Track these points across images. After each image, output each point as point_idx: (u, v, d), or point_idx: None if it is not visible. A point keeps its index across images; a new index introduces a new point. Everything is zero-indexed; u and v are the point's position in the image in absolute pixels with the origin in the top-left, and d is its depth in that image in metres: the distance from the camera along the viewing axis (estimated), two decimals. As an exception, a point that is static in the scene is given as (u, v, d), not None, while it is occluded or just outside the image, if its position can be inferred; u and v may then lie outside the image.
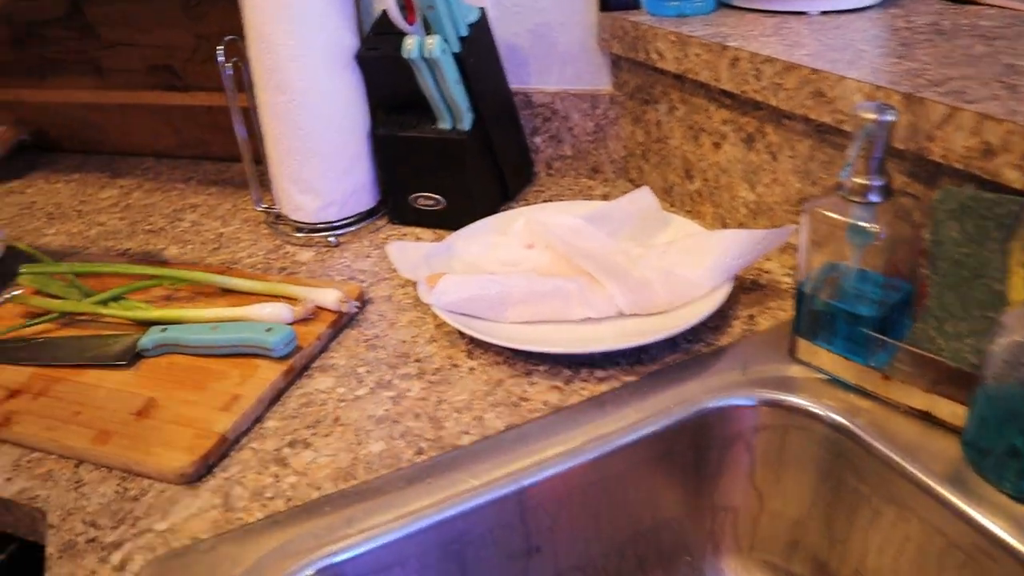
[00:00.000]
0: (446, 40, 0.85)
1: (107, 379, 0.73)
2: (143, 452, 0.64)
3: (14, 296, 0.85)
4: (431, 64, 0.86)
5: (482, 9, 0.93)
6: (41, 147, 1.41)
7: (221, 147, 1.23)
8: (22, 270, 0.86)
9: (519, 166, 1.05)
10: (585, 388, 0.68)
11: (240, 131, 0.98)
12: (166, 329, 0.75)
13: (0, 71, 1.38)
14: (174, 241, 1.01)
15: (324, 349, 0.76)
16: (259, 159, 1.01)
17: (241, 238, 1.00)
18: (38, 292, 0.87)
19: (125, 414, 0.68)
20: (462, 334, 0.75)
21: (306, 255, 0.94)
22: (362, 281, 0.87)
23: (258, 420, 0.68)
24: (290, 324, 0.76)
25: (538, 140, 1.08)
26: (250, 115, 0.98)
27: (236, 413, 0.67)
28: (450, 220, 0.94)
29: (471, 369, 0.72)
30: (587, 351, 0.69)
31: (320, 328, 0.77)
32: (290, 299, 0.80)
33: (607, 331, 0.73)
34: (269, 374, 0.71)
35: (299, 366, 0.73)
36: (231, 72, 0.95)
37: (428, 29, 0.88)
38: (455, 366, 0.72)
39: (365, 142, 0.96)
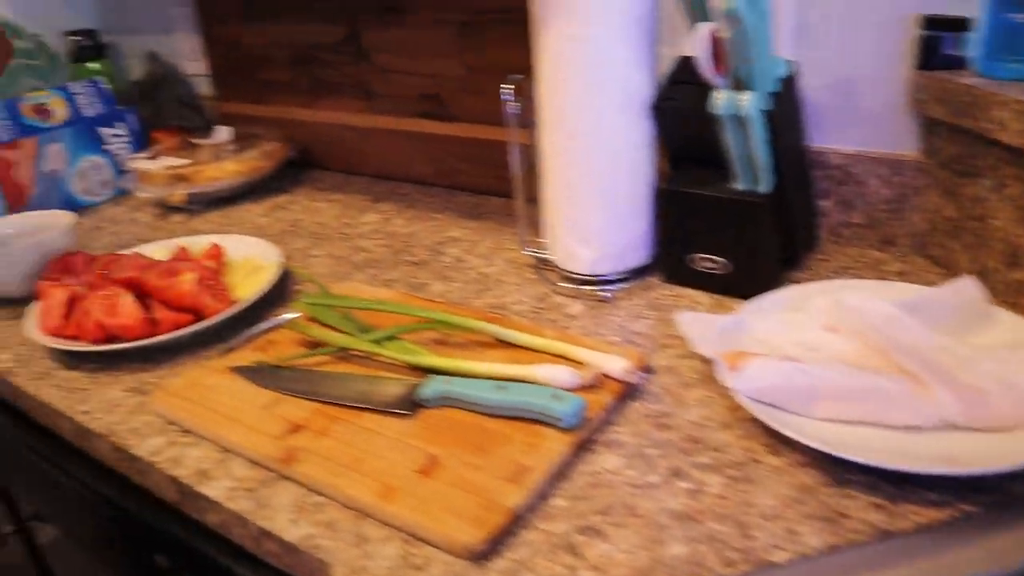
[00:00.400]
0: (758, 95, 0.79)
1: (387, 427, 0.71)
2: (429, 517, 0.60)
3: (291, 321, 0.85)
4: (740, 121, 0.79)
5: (792, 63, 0.86)
6: (304, 164, 1.46)
7: (475, 179, 1.22)
8: (304, 300, 0.86)
9: (807, 231, 0.96)
10: (916, 513, 0.59)
11: (516, 170, 0.95)
12: (449, 381, 0.72)
13: (277, 90, 1.43)
14: (437, 276, 0.99)
15: (608, 422, 0.71)
16: (529, 199, 0.98)
17: (506, 281, 0.97)
18: (313, 319, 0.87)
19: (408, 470, 0.65)
20: (764, 425, 0.68)
21: (576, 308, 0.89)
22: (640, 346, 0.82)
23: (544, 497, 0.64)
24: (574, 390, 0.71)
25: (827, 204, 0.99)
26: (524, 154, 0.95)
27: (525, 487, 0.62)
28: (731, 285, 0.88)
29: (776, 468, 0.64)
30: (924, 471, 0.60)
31: (605, 398, 0.72)
32: (572, 361, 0.76)
33: (937, 445, 0.64)
34: (556, 446, 0.66)
35: (584, 439, 0.69)
36: (515, 111, 0.92)
37: (736, 82, 0.81)
38: (756, 461, 0.65)
39: (647, 195, 0.90)
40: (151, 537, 0.78)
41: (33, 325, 0.93)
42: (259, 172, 1.33)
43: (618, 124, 0.86)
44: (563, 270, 0.95)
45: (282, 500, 0.66)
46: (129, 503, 0.79)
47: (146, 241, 1.20)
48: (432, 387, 0.72)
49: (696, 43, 0.78)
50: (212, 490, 0.68)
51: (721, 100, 0.79)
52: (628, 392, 0.75)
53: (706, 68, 0.80)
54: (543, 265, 0.98)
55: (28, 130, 1.32)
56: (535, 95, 0.90)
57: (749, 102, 0.78)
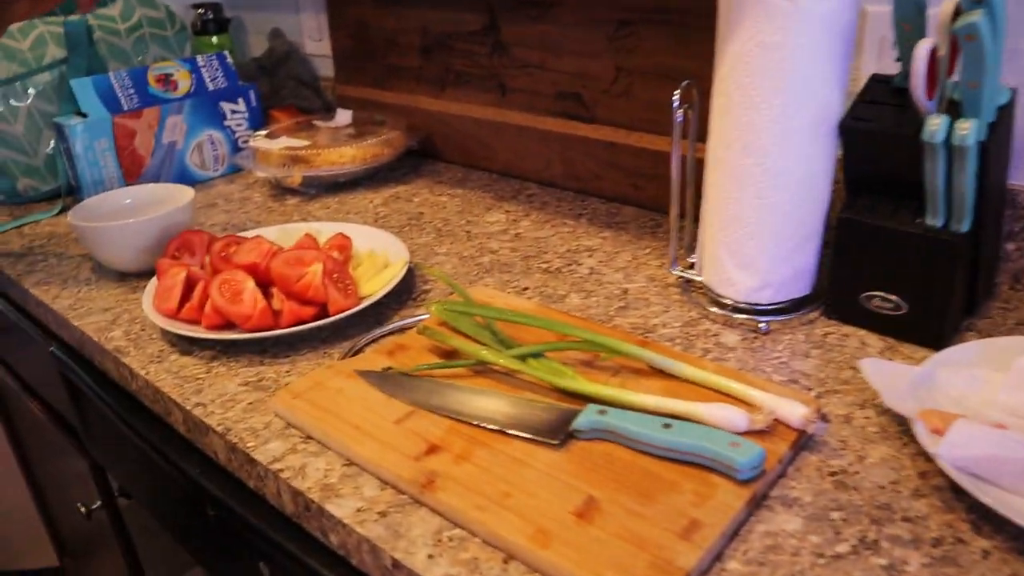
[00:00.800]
0: (979, 124, 0.69)
1: (536, 457, 0.63)
2: (590, 571, 0.52)
3: (422, 326, 0.78)
4: (951, 151, 0.70)
5: (1014, 90, 0.76)
6: (424, 154, 1.39)
7: (612, 187, 1.14)
8: (440, 303, 0.79)
9: (987, 276, 0.86)
10: None
11: (675, 182, 0.86)
12: (606, 412, 0.64)
13: (403, 76, 1.37)
14: (575, 288, 0.92)
15: (782, 475, 0.62)
16: (681, 214, 0.89)
17: (650, 300, 0.88)
18: (444, 325, 0.80)
19: (563, 511, 0.58)
20: (966, 499, 0.59)
21: (730, 338, 0.81)
22: (807, 388, 0.73)
23: (719, 559, 0.55)
24: (743, 435, 0.63)
25: (1010, 247, 0.88)
26: (683, 165, 0.86)
27: (699, 547, 0.54)
28: (906, 328, 0.78)
29: (984, 552, 0.55)
30: None
31: (781, 448, 0.63)
32: (740, 401, 0.67)
33: None
34: (731, 500, 0.58)
35: (759, 493, 0.60)
36: (681, 120, 0.84)
37: (948, 107, 0.72)
38: (961, 541, 0.56)
39: (821, 222, 0.81)
40: (258, 546, 0.72)
41: (149, 304, 0.88)
42: (379, 159, 1.28)
43: (805, 144, 0.77)
44: (715, 294, 0.86)
45: (418, 530, 0.59)
46: (238, 505, 0.73)
47: (258, 223, 1.15)
48: (588, 417, 0.64)
49: (915, 61, 0.69)
50: (339, 509, 0.62)
51: (936, 127, 0.69)
52: (802, 442, 0.66)
53: (919, 90, 0.70)
54: (691, 286, 0.90)
55: (151, 100, 1.28)
56: (708, 103, 0.81)
57: (970, 131, 0.68)
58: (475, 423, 0.67)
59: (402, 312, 0.89)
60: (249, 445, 0.70)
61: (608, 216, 1.11)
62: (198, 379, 0.80)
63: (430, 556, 0.57)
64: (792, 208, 0.80)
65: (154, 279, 0.92)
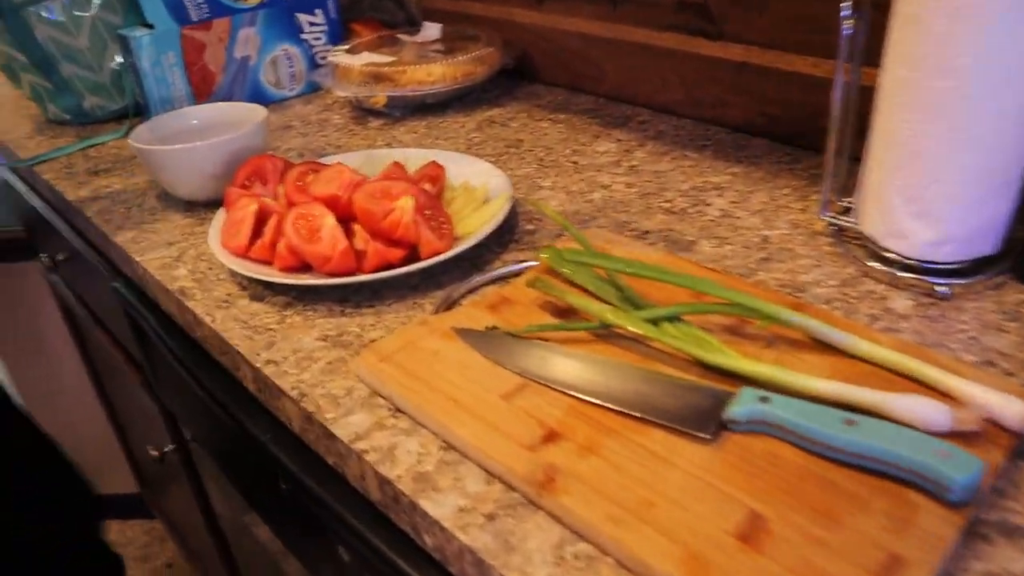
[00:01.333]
0: None
1: (680, 453, 0.50)
2: (765, 620, 0.39)
3: (531, 276, 0.65)
4: None
5: None
6: (521, 74, 1.24)
7: (741, 115, 0.98)
8: (553, 251, 0.66)
9: None
10: None
11: (836, 111, 0.71)
12: (769, 400, 0.50)
13: (502, -18, 1.21)
14: (704, 233, 0.77)
15: (998, 492, 0.48)
16: (838, 152, 0.74)
17: (796, 252, 0.73)
18: (556, 275, 0.67)
19: (720, 530, 0.45)
20: None
21: (901, 303, 0.66)
22: (1008, 373, 0.58)
23: (929, 608, 0.42)
24: (944, 436, 0.49)
25: None
26: (845, 92, 0.71)
27: (907, 595, 0.41)
28: None
29: None
30: None
31: (995, 457, 0.49)
32: (935, 391, 0.53)
33: None
34: (940, 528, 0.45)
35: (972, 519, 0.46)
36: (850, 32, 0.68)
37: None
38: None
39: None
40: (337, 530, 0.61)
41: (216, 239, 0.76)
42: (471, 79, 1.13)
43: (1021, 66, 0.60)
44: (878, 247, 0.71)
45: (535, 541, 0.47)
46: (314, 483, 0.62)
47: (339, 147, 1.03)
48: (748, 405, 0.51)
49: None
50: (436, 507, 0.50)
51: None
52: (1018, 450, 0.51)
53: None
54: (844, 236, 0.74)
55: (222, 10, 1.16)
56: (893, 14, 0.65)
57: None
58: (602, 403, 0.54)
59: (504, 257, 0.76)
60: (328, 416, 0.58)
61: (736, 149, 0.95)
62: (270, 330, 0.69)
63: (551, 578, 0.45)
64: (995, 145, 0.64)
65: (221, 211, 0.81)
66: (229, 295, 0.75)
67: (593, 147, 0.99)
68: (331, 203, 0.74)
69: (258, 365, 0.65)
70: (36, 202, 1.16)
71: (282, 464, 0.65)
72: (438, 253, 0.71)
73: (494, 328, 0.63)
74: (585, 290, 0.67)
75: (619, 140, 1.01)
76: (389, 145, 1.05)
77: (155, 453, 1.07)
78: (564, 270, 0.67)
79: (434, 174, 0.80)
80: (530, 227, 0.82)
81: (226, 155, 0.88)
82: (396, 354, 0.61)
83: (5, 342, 1.64)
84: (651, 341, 0.61)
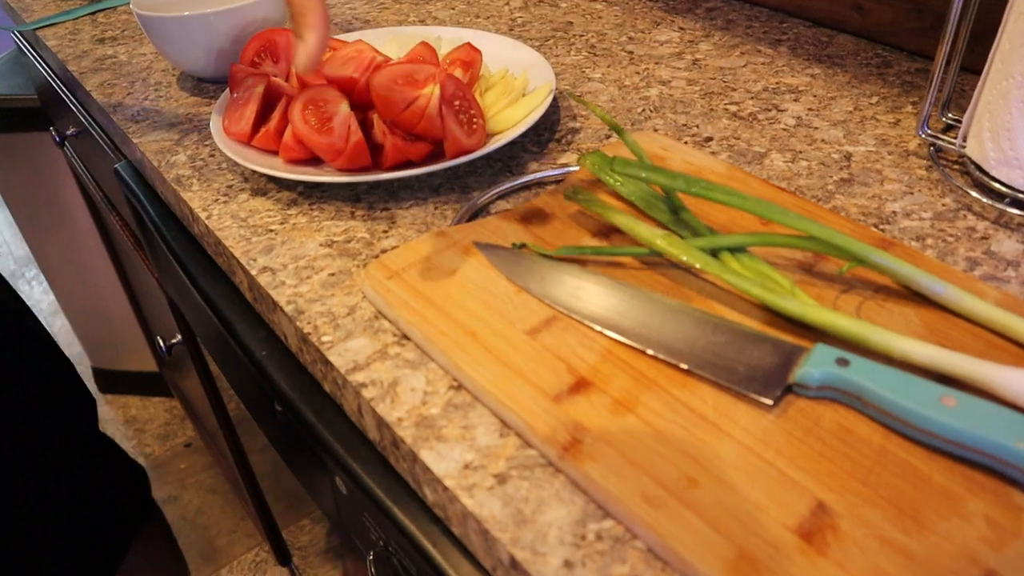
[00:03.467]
0: None
1: (734, 419, 0.41)
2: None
3: (570, 183, 0.55)
4: None
5: None
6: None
7: (825, 6, 0.85)
8: (594, 158, 0.56)
9: None
10: None
11: (957, 7, 0.58)
12: (848, 364, 0.41)
13: None
14: (776, 144, 0.66)
15: None
16: (948, 59, 0.62)
17: (884, 174, 0.62)
18: (600, 186, 0.57)
19: (778, 524, 0.36)
20: None
21: (1009, 247, 0.55)
22: None
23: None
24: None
25: None
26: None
27: (1012, 628, 0.32)
28: None
29: None
30: None
31: None
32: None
33: None
34: (1057, 542, 0.35)
35: (1093, 527, 0.37)
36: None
37: None
38: None
39: None
40: (332, 464, 0.54)
41: (218, 124, 0.67)
42: (520, -49, 1.00)
43: None
44: (985, 175, 0.59)
45: (553, 514, 0.39)
46: (310, 411, 0.54)
47: (366, 21, 0.91)
48: (822, 368, 0.42)
49: None
50: (439, 461, 0.42)
51: None
52: None
53: None
54: (943, 159, 0.63)
55: None
56: None
57: None
58: (643, 349, 0.45)
59: (541, 160, 0.66)
60: (325, 340, 0.50)
61: (817, 46, 0.83)
62: (270, 231, 0.60)
63: (567, 564, 0.37)
64: None
65: (227, 91, 0.71)
66: (230, 188, 0.66)
67: (652, 35, 0.87)
68: (346, 87, 0.64)
69: (253, 272, 0.57)
70: (44, 69, 1.07)
71: (277, 386, 0.57)
72: (465, 152, 0.61)
73: (523, 246, 0.54)
74: (633, 206, 0.57)
75: (682, 29, 0.88)
76: (423, 21, 0.93)
77: (162, 344, 1.01)
78: (610, 181, 0.56)
79: (468, 59, 0.69)
80: (574, 124, 0.71)
81: (238, 27, 0.78)
82: (407, 270, 0.52)
83: (26, 213, 1.58)
84: (707, 275, 0.51)
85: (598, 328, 0.47)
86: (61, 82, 0.98)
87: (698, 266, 0.49)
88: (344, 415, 0.52)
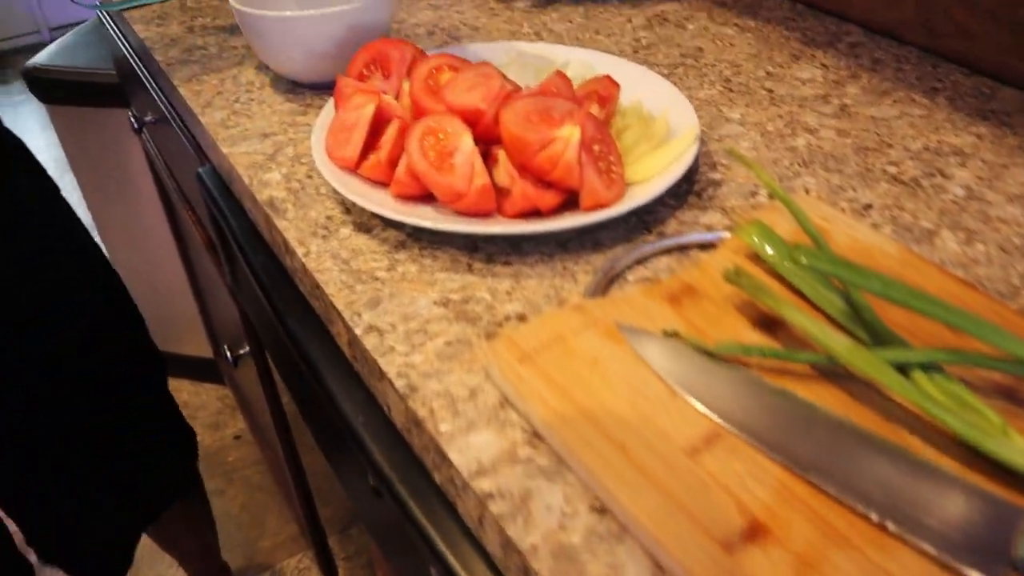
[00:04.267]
0: None
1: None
2: None
3: (736, 271, 0.47)
4: None
5: None
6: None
7: (990, 52, 0.77)
8: (755, 233, 0.48)
9: None
10: None
11: None
12: None
13: None
14: (945, 221, 0.58)
15: None
16: None
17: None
18: (755, 258, 0.49)
19: None
20: None
21: None
22: None
23: None
24: None
25: None
26: None
27: None
28: None
29: None
30: None
31: None
32: None
33: None
34: None
35: None
36: None
37: None
38: None
39: None
40: (432, 555, 0.47)
41: (320, 143, 0.60)
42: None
43: None
44: None
45: None
46: (413, 499, 0.47)
47: (475, 28, 0.84)
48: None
49: None
50: (585, 612, 0.34)
51: None
52: None
53: None
54: None
55: None
56: None
57: None
58: (828, 490, 0.37)
59: (680, 215, 0.58)
60: (443, 429, 0.43)
61: (979, 99, 0.74)
62: (376, 279, 0.53)
63: None
64: None
65: (330, 103, 0.64)
66: (329, 219, 0.59)
67: (792, 71, 0.78)
68: (471, 118, 0.57)
69: (358, 332, 0.50)
70: (128, 53, 1.01)
71: (374, 459, 0.51)
72: (603, 206, 0.54)
73: (675, 334, 0.46)
74: (799, 294, 0.49)
75: (824, 66, 0.79)
76: (538, 35, 0.86)
77: (229, 354, 0.95)
78: (777, 264, 0.48)
79: (606, 94, 0.62)
80: (715, 175, 0.63)
81: (342, 30, 0.71)
82: (540, 353, 0.45)
83: (93, 184, 1.53)
84: (888, 391, 0.43)
85: (769, 453, 0.40)
86: (145, 69, 0.92)
87: (886, 384, 0.41)
88: (459, 520, 0.45)
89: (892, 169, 0.65)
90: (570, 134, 0.54)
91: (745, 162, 0.52)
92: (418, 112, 0.61)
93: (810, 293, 0.48)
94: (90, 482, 0.95)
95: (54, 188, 0.90)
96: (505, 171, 0.56)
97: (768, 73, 0.78)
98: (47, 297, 0.85)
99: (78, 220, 0.93)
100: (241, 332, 0.99)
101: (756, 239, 0.50)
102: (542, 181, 0.55)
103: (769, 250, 0.50)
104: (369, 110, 0.60)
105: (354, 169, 0.59)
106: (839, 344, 0.43)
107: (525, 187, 0.54)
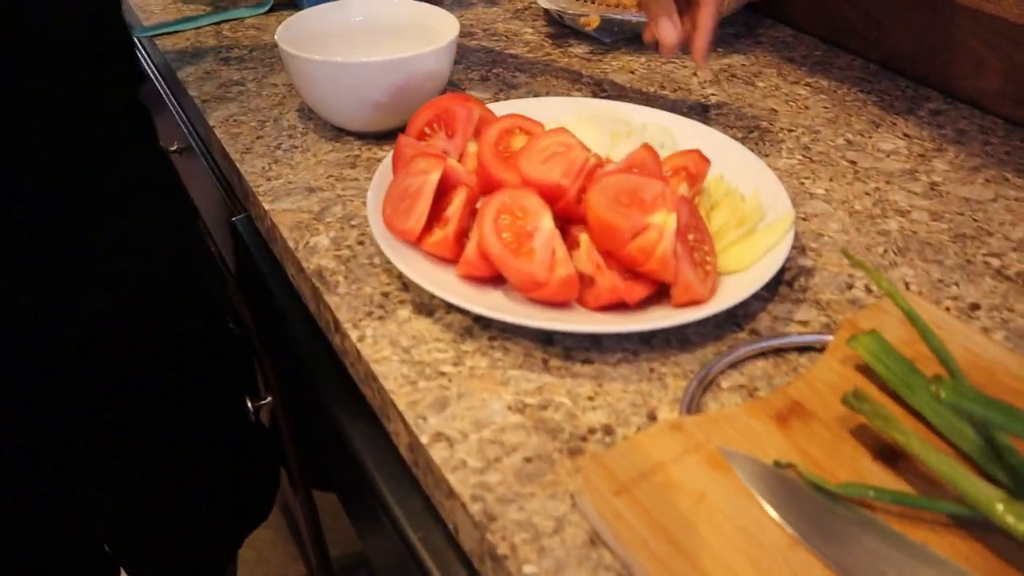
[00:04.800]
0: None
1: None
2: None
3: (854, 396, 0.41)
4: None
5: None
6: (768, 11, 0.97)
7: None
8: (870, 348, 0.43)
9: None
10: None
11: None
12: None
13: None
14: (1063, 327, 0.52)
15: None
16: None
17: None
18: (861, 368, 0.43)
19: None
20: None
21: None
22: None
23: None
24: None
25: None
26: None
27: None
28: None
29: None
30: None
31: None
32: None
33: None
34: None
35: None
36: None
37: None
38: None
39: None
40: None
41: (376, 208, 0.55)
42: (707, 10, 0.86)
43: None
44: None
45: None
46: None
47: (531, 75, 0.79)
48: None
49: None
50: None
51: None
52: None
53: None
54: None
55: None
56: None
57: None
58: None
59: (773, 307, 0.53)
60: (527, 572, 0.37)
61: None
62: (441, 374, 0.48)
63: None
64: None
65: (386, 161, 0.59)
66: (386, 296, 0.54)
67: (874, 141, 0.73)
68: (550, 194, 0.51)
69: (424, 440, 0.44)
70: (155, 78, 0.95)
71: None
72: (697, 303, 0.48)
73: (789, 466, 0.40)
74: (924, 422, 0.43)
75: (907, 136, 0.74)
76: (599, 86, 0.80)
77: (249, 404, 0.89)
78: (907, 394, 0.43)
79: (696, 171, 0.56)
80: (805, 262, 0.58)
81: (399, 79, 0.65)
82: (639, 484, 0.39)
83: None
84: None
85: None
86: (174, 98, 0.86)
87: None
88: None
89: (995, 262, 0.59)
90: (664, 221, 0.49)
91: (874, 276, 0.46)
92: (487, 181, 0.55)
93: (941, 425, 0.43)
94: (186, 508, 0.90)
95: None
96: (587, 257, 0.50)
97: (848, 142, 0.73)
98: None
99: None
100: (263, 382, 0.93)
101: (871, 355, 0.45)
102: (630, 271, 0.49)
103: (886, 366, 0.45)
104: (435, 177, 0.54)
105: (417, 244, 0.53)
106: (997, 500, 0.37)
107: (614, 280, 0.49)
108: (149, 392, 0.75)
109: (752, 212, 0.55)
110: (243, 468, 0.94)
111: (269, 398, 0.92)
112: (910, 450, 0.40)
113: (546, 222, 0.50)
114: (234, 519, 0.95)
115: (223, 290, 0.94)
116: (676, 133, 0.64)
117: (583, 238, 0.51)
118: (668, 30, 0.62)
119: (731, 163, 0.61)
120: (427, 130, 0.60)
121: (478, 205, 0.54)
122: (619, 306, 0.50)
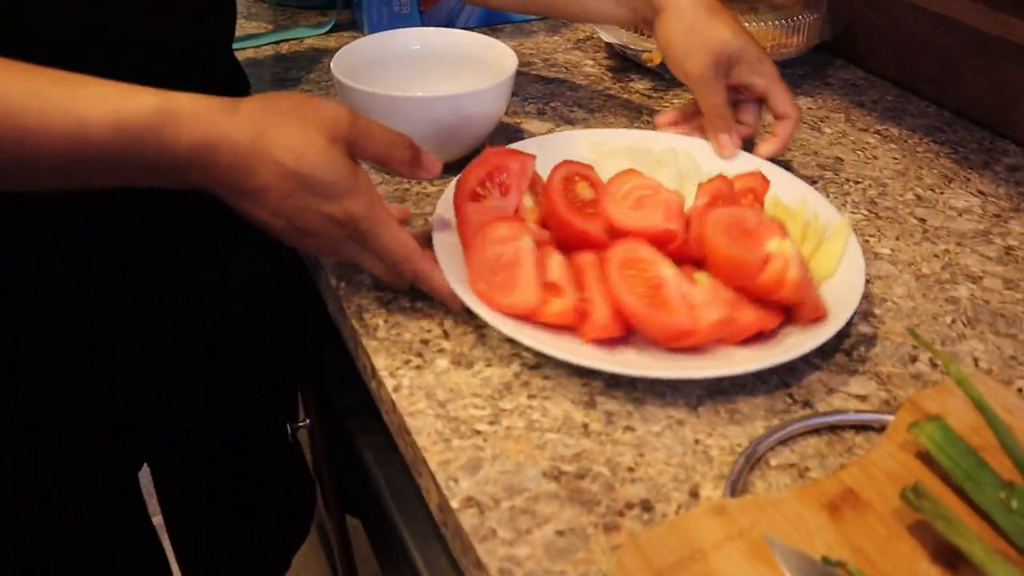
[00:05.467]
0: None
1: None
2: None
3: (914, 493, 0.38)
4: None
5: None
6: (838, 52, 0.93)
7: None
8: (936, 442, 0.40)
9: None
10: None
11: None
12: None
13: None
14: None
15: None
16: None
17: None
18: (922, 456, 0.41)
19: None
20: None
21: None
22: None
23: None
24: None
25: None
26: None
27: None
28: None
29: None
30: None
31: None
32: None
33: None
34: None
35: None
36: None
37: None
38: None
39: None
40: None
41: (464, 284, 0.52)
42: (778, 52, 0.84)
43: None
44: None
45: None
46: None
47: (590, 111, 0.78)
48: None
49: None
50: None
51: None
52: None
53: None
54: None
55: None
56: None
57: None
58: None
59: (826, 375, 0.50)
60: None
61: None
62: (477, 432, 0.47)
63: None
64: None
65: (450, 229, 0.57)
66: (425, 343, 0.52)
67: (945, 198, 0.70)
68: (659, 240, 0.50)
69: (454, 504, 0.42)
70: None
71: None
72: (820, 319, 0.50)
73: (838, 564, 0.37)
74: (991, 522, 0.40)
75: (981, 193, 0.71)
76: (651, 118, 0.78)
77: (288, 426, 0.88)
78: (961, 482, 0.40)
79: (760, 188, 0.55)
80: (865, 328, 0.55)
81: (453, 114, 0.64)
82: (678, 574, 0.37)
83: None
84: None
85: None
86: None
87: None
88: None
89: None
90: (781, 248, 0.49)
91: (945, 361, 0.44)
92: (567, 236, 0.54)
93: (1008, 528, 0.39)
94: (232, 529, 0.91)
95: None
96: (717, 295, 0.49)
97: (918, 197, 0.70)
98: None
99: None
100: (299, 406, 0.93)
101: (935, 445, 0.42)
102: (763, 302, 0.49)
103: (951, 458, 0.42)
104: (528, 243, 0.52)
105: (534, 318, 0.51)
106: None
107: (755, 312, 0.50)
108: (204, 403, 0.75)
109: (814, 224, 0.58)
110: (282, 487, 0.94)
111: (308, 420, 0.91)
112: (972, 559, 0.37)
113: (667, 270, 0.50)
114: (275, 535, 0.95)
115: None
116: (696, 155, 0.65)
117: (699, 277, 0.51)
118: (728, 146, 0.66)
119: (784, 186, 0.62)
120: (479, 190, 0.58)
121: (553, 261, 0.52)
122: (694, 349, 0.49)
